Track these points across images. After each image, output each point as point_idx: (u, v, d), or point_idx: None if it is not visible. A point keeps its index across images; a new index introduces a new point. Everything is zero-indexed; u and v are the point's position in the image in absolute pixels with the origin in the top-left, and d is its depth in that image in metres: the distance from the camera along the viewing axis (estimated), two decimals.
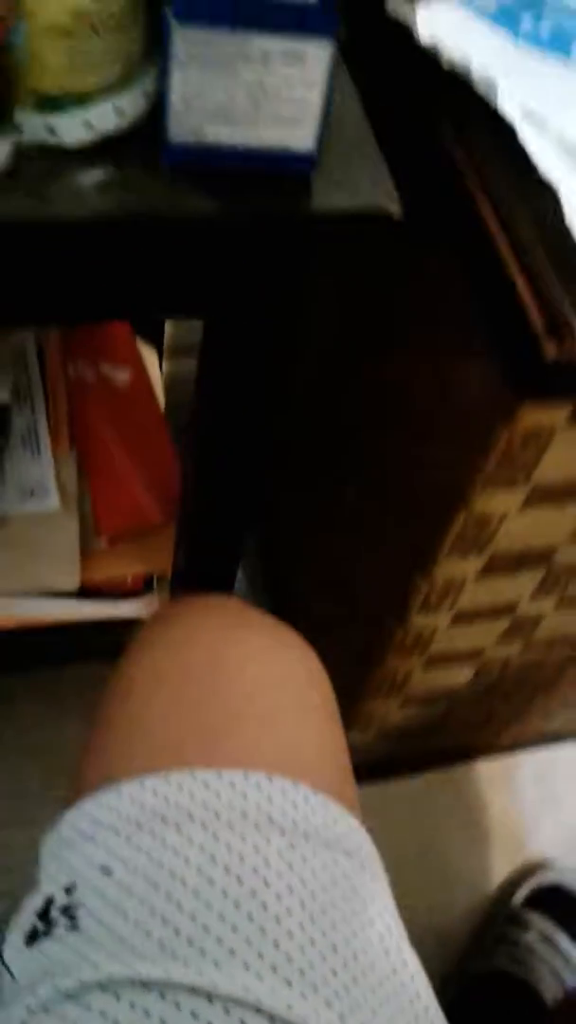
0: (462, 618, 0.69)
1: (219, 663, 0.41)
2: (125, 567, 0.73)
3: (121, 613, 0.73)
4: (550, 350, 0.46)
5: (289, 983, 0.30)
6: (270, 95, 0.35)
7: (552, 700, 0.92)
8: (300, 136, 0.37)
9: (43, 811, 0.89)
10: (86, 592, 0.71)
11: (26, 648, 0.75)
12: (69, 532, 0.68)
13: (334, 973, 0.32)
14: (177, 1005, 0.29)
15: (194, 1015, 0.29)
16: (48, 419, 0.72)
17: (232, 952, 0.31)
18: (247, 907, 0.32)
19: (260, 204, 0.38)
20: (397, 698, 0.78)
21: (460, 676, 0.78)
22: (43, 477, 0.69)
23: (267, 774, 0.36)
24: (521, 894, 0.91)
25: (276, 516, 0.98)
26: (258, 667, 0.41)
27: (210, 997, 0.30)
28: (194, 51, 0.34)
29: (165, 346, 0.96)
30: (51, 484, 0.69)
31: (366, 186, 0.40)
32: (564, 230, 0.47)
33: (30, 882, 0.37)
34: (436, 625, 0.69)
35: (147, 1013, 0.29)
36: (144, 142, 0.38)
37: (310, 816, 0.36)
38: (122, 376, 0.80)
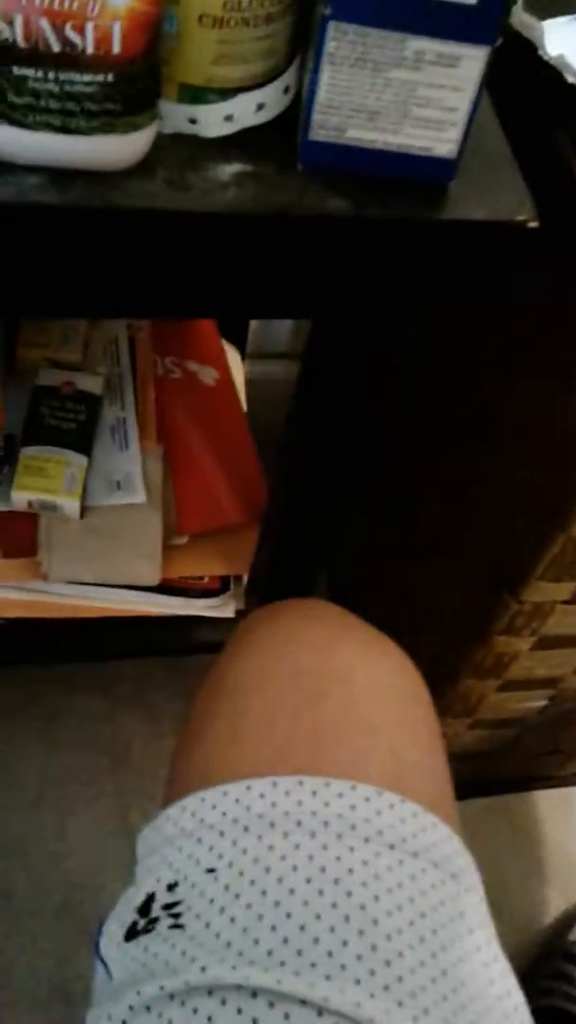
0: (545, 644, 0.67)
1: (324, 668, 0.40)
2: (204, 566, 0.73)
3: (197, 611, 0.73)
4: None
5: (401, 1004, 0.29)
6: (419, 98, 0.34)
7: None
8: (444, 141, 0.36)
9: (96, 803, 0.89)
10: (164, 588, 0.71)
11: (100, 638, 0.75)
12: (153, 527, 0.68)
13: (444, 998, 0.30)
14: (286, 1016, 0.29)
15: None
16: (137, 413, 0.72)
17: (343, 967, 0.30)
18: (357, 922, 0.31)
19: (397, 209, 0.37)
20: (468, 720, 0.76)
21: (534, 703, 0.77)
22: (130, 470, 0.69)
23: (376, 787, 0.35)
24: None
25: (349, 526, 0.97)
26: (363, 675, 0.40)
27: (320, 1011, 0.29)
28: (346, 49, 0.33)
29: (247, 349, 0.96)
30: (138, 478, 0.69)
31: (503, 196, 0.39)
32: None
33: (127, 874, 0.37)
34: (518, 649, 0.67)
35: (255, 1022, 0.29)
36: (281, 137, 0.37)
37: (419, 834, 0.35)
38: (208, 375, 0.80)
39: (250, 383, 0.95)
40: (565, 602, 0.62)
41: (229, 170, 0.36)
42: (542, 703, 0.77)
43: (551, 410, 0.57)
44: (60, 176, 0.35)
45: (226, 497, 0.73)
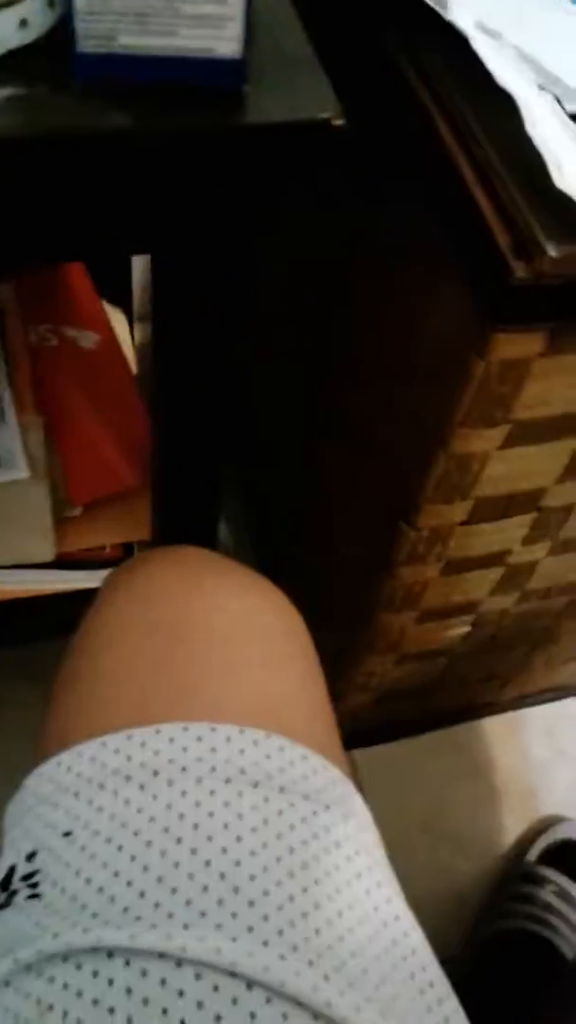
0: (452, 568, 0.66)
1: (184, 613, 0.38)
2: (102, 535, 0.71)
3: (101, 583, 0.71)
4: (518, 270, 0.43)
5: (266, 943, 0.28)
6: None
7: (555, 653, 0.89)
8: (225, 39, 0.34)
9: None
10: (63, 563, 0.69)
11: (7, 625, 0.72)
12: (41, 501, 0.66)
13: (317, 932, 0.29)
14: (143, 972, 0.27)
15: (162, 982, 0.27)
16: (11, 386, 0.69)
17: (203, 913, 0.29)
18: (219, 865, 0.30)
19: (184, 118, 0.35)
20: (393, 655, 0.76)
21: (456, 630, 0.76)
22: (10, 445, 0.66)
23: (237, 726, 0.34)
24: (535, 851, 0.89)
25: (257, 477, 0.96)
26: (227, 617, 0.39)
27: (179, 962, 0.27)
28: None
29: (135, 311, 0.93)
30: (18, 452, 0.66)
31: (304, 96, 0.37)
32: (524, 144, 0.44)
33: None
34: (426, 577, 0.66)
35: (111, 982, 0.27)
36: (54, 57, 0.35)
37: (286, 768, 0.33)
38: (88, 339, 0.77)
39: (142, 347, 0.93)
40: (463, 523, 0.61)
41: (0, 95, 0.34)
42: (465, 629, 0.76)
43: (418, 324, 0.55)
44: None
45: (117, 462, 0.71)
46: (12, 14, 0.34)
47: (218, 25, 0.33)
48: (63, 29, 0.35)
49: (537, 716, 0.99)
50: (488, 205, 0.45)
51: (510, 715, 0.98)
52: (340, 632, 0.74)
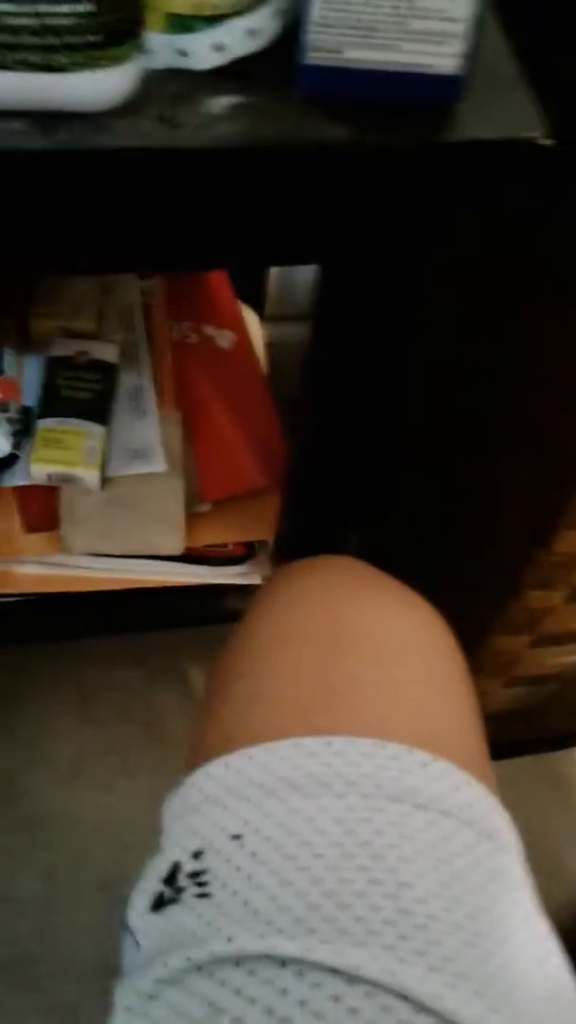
0: None
1: (345, 624, 0.38)
2: (227, 532, 0.71)
3: (222, 579, 0.72)
4: None
5: (436, 970, 0.28)
6: (417, 9, 0.32)
7: None
8: (447, 55, 0.34)
9: (133, 777, 0.89)
10: (188, 557, 0.70)
11: (126, 611, 0.74)
12: (175, 495, 0.67)
13: (482, 962, 0.29)
14: (316, 986, 0.27)
15: (335, 998, 0.27)
16: (154, 380, 0.70)
17: (373, 933, 0.29)
18: (387, 886, 0.30)
19: (397, 132, 0.35)
20: (502, 678, 0.74)
21: (571, 657, 0.74)
22: (149, 439, 0.68)
23: (404, 745, 0.33)
24: None
25: (377, 485, 0.95)
26: (389, 631, 0.39)
27: (351, 980, 0.27)
28: None
29: (266, 311, 0.94)
30: (157, 446, 0.67)
31: (513, 114, 0.37)
32: None
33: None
34: (552, 603, 0.65)
35: (284, 992, 0.27)
36: (276, 67, 0.35)
37: (451, 793, 0.33)
38: (225, 339, 0.78)
39: (270, 346, 0.93)
40: None
41: (222, 103, 0.34)
42: None
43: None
44: (44, 119, 0.33)
45: (248, 461, 0.71)
46: (243, 23, 0.34)
47: (442, 41, 0.33)
48: (286, 39, 0.35)
49: None
50: None
51: None
52: None
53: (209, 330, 0.77)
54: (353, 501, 0.62)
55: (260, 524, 0.72)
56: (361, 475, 0.60)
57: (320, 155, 0.34)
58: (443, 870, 0.31)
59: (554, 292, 0.57)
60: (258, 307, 0.90)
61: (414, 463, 0.85)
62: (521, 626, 0.69)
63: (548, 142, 0.37)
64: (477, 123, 0.36)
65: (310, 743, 0.34)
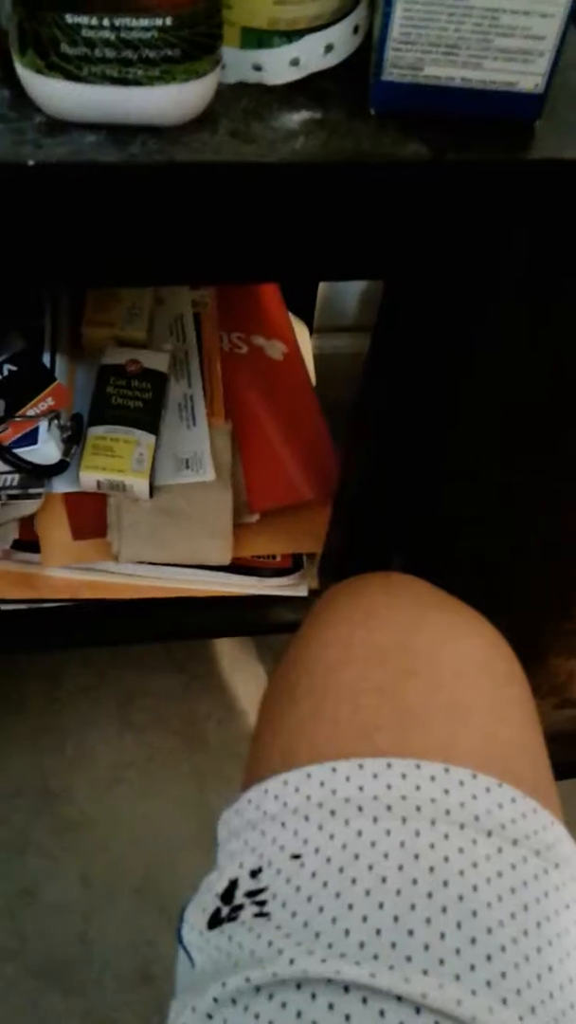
0: None
1: (410, 644, 0.38)
2: (275, 544, 0.71)
3: (269, 590, 0.71)
4: None
5: (505, 1002, 0.27)
6: (502, 26, 0.32)
7: None
8: (531, 74, 0.33)
9: (173, 784, 0.89)
10: (235, 567, 0.70)
11: (171, 619, 0.74)
12: (223, 505, 0.67)
13: (551, 996, 0.28)
14: (382, 1013, 0.27)
15: None
16: (204, 390, 0.70)
17: (442, 962, 0.28)
18: (455, 913, 0.29)
19: (479, 152, 0.34)
20: (554, 699, 0.73)
21: None
22: (199, 448, 0.68)
23: (470, 769, 0.33)
24: None
25: (426, 501, 0.94)
26: (452, 652, 0.38)
27: (419, 1008, 0.27)
28: None
29: (315, 322, 0.94)
30: (206, 455, 0.67)
31: None
32: None
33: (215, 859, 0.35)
34: None
35: (347, 1018, 0.27)
36: (352, 81, 0.35)
37: (518, 820, 0.32)
38: (275, 350, 0.78)
39: (318, 357, 0.93)
40: None
41: (297, 118, 0.34)
42: None
43: None
44: (118, 132, 0.33)
45: (297, 474, 0.71)
46: (320, 39, 0.34)
47: (526, 60, 0.33)
48: (362, 54, 0.35)
49: None
50: None
51: None
52: None
53: (259, 341, 0.77)
54: (403, 516, 0.62)
55: (308, 536, 0.72)
56: (412, 490, 0.59)
57: (396, 172, 0.34)
58: (511, 900, 0.31)
59: None
60: (307, 318, 0.90)
61: (469, 481, 0.84)
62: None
63: None
64: (557, 141, 0.35)
65: (373, 764, 0.33)
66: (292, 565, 0.72)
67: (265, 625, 0.75)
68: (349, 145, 0.33)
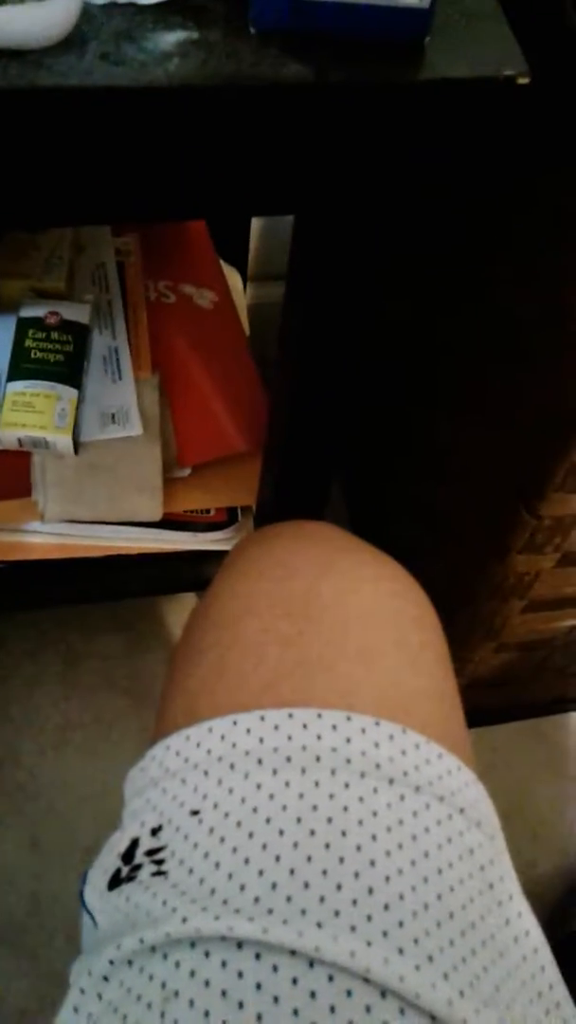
0: (569, 560, 0.63)
1: (317, 592, 0.37)
2: (208, 498, 0.70)
3: (204, 545, 0.70)
4: None
5: (402, 951, 0.27)
6: None
7: None
8: None
9: (120, 744, 0.88)
10: (168, 523, 0.68)
11: (108, 579, 0.72)
12: (152, 460, 0.65)
13: (451, 943, 0.28)
14: (274, 968, 0.26)
15: (293, 981, 0.26)
16: (129, 342, 0.68)
17: (336, 913, 0.27)
18: (353, 864, 0.29)
19: (362, 70, 0.32)
20: (492, 644, 0.73)
21: (562, 622, 0.73)
22: (125, 402, 0.66)
23: (373, 717, 0.32)
24: None
25: (360, 446, 0.93)
26: (360, 598, 0.37)
27: (312, 962, 0.26)
28: None
29: (249, 270, 0.91)
30: (133, 409, 0.65)
31: (486, 51, 0.34)
32: None
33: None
34: (540, 567, 0.64)
35: (240, 975, 0.26)
36: (230, 0, 0.33)
37: (422, 767, 0.32)
38: (205, 298, 0.76)
39: (254, 307, 0.91)
40: None
41: (171, 39, 0.32)
42: (572, 622, 0.73)
43: (568, 315, 0.52)
44: None
45: (228, 425, 0.70)
46: None
47: None
48: None
49: None
50: None
51: None
52: (440, 618, 0.72)
53: (188, 289, 0.75)
54: (331, 464, 0.60)
55: (242, 489, 0.70)
56: (339, 436, 0.58)
57: (278, 95, 0.32)
58: (412, 847, 0.30)
59: (528, 247, 0.55)
60: (241, 266, 0.87)
61: (402, 425, 0.83)
62: (511, 591, 0.67)
63: (526, 80, 0.34)
64: (448, 61, 0.33)
65: (274, 715, 0.33)
66: (227, 519, 0.71)
67: (204, 581, 0.73)
68: (228, 67, 0.31)
